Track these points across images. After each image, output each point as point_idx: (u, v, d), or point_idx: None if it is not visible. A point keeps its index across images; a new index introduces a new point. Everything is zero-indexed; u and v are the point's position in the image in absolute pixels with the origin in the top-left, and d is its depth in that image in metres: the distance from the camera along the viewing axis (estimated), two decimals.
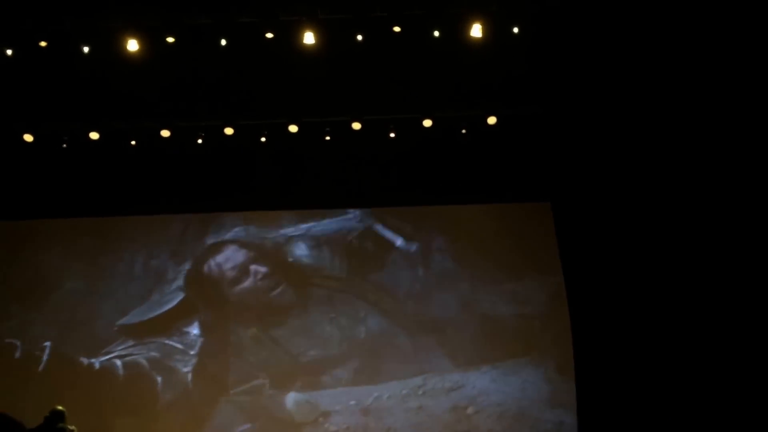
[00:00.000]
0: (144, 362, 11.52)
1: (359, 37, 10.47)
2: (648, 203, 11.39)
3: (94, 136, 11.58)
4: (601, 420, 10.84)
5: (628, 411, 10.72)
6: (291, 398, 11.32)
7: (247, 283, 11.88)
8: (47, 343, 11.62)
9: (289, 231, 12.06)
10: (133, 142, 11.69)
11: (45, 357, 11.55)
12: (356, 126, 11.53)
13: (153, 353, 11.60)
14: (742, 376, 10.52)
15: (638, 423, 10.63)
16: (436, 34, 10.44)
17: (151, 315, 11.79)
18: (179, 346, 11.60)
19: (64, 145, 11.66)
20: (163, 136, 11.59)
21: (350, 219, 12.08)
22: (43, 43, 10.46)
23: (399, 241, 12.00)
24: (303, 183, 12.00)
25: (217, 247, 12.10)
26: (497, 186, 11.91)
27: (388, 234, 12.01)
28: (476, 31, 10.31)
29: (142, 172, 12.01)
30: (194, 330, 11.70)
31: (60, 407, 8.72)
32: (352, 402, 11.27)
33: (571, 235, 11.57)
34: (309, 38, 10.31)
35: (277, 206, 12.10)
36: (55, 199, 12.05)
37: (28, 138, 11.58)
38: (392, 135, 11.61)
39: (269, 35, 10.44)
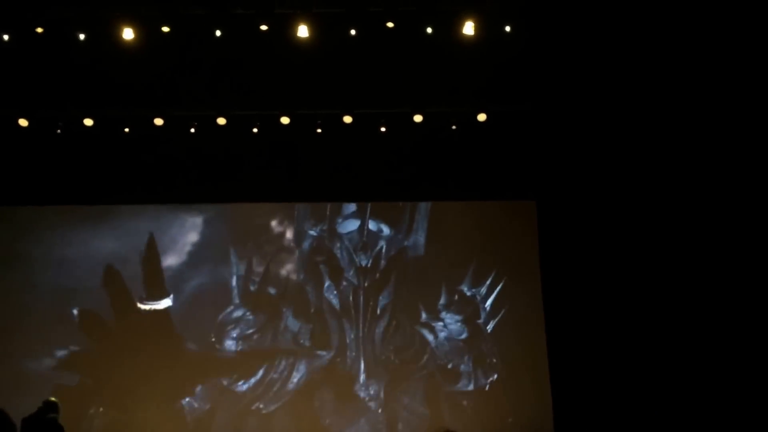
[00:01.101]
0: None
1: (353, 32, 10.58)
2: (634, 205, 11.39)
3: (88, 122, 11.65)
4: (577, 424, 10.94)
5: (605, 415, 10.76)
6: None
7: None
8: None
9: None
10: (126, 130, 11.75)
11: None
12: (347, 119, 11.61)
13: None
14: (726, 377, 10.61)
15: (616, 426, 10.72)
16: (429, 30, 10.55)
17: None
18: None
19: (59, 131, 11.71)
20: (156, 124, 11.66)
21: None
22: (39, 30, 10.53)
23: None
24: (293, 174, 12.05)
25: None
26: (485, 183, 11.99)
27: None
28: (468, 28, 10.42)
29: (135, 159, 12.04)
30: None
31: (53, 398, 8.79)
32: None
33: (553, 234, 11.58)
34: (303, 31, 10.41)
35: (267, 198, 12.17)
36: (49, 185, 12.10)
37: (23, 123, 11.64)
38: (383, 129, 11.71)
39: (264, 27, 10.54)
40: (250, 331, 11.71)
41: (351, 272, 11.96)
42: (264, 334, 11.73)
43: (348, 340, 11.71)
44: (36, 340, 11.72)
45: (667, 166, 11.30)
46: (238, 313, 11.79)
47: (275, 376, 11.57)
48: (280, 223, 12.15)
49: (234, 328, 11.72)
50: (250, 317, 11.76)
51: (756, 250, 10.81)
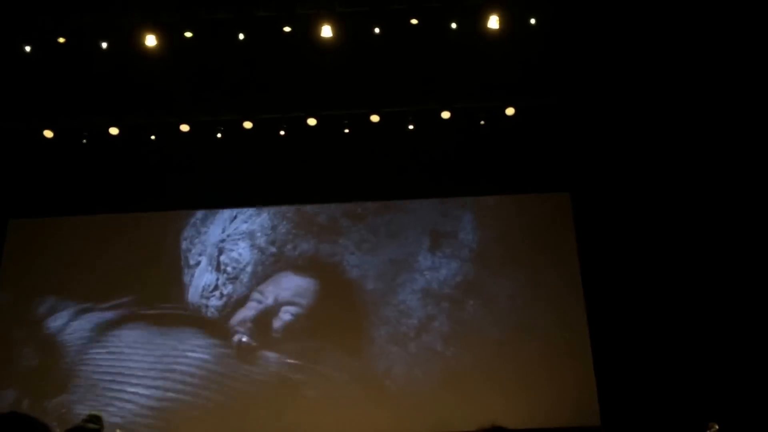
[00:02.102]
0: None
1: (377, 30, 10.49)
2: (665, 195, 11.39)
3: (113, 131, 11.62)
4: (623, 417, 10.84)
5: (650, 407, 10.71)
6: None
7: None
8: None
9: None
10: (153, 137, 11.72)
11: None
12: (375, 118, 11.54)
13: None
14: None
15: (659, 420, 10.62)
16: (454, 25, 10.46)
17: None
18: None
19: (85, 141, 11.68)
20: (183, 130, 11.61)
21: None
22: (61, 40, 10.50)
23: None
24: (323, 175, 11.96)
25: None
26: (516, 177, 11.88)
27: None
28: (493, 22, 10.31)
29: (162, 166, 11.98)
30: None
31: (95, 412, 8.71)
32: None
33: (590, 226, 11.55)
34: (327, 31, 10.34)
35: (296, 200, 12.06)
36: (76, 195, 12.06)
37: (49, 134, 11.63)
38: (411, 127, 11.61)
39: (287, 29, 10.46)
40: None
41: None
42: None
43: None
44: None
45: (699, 154, 11.25)
46: None
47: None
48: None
49: None
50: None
51: None
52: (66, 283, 11.87)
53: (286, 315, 11.58)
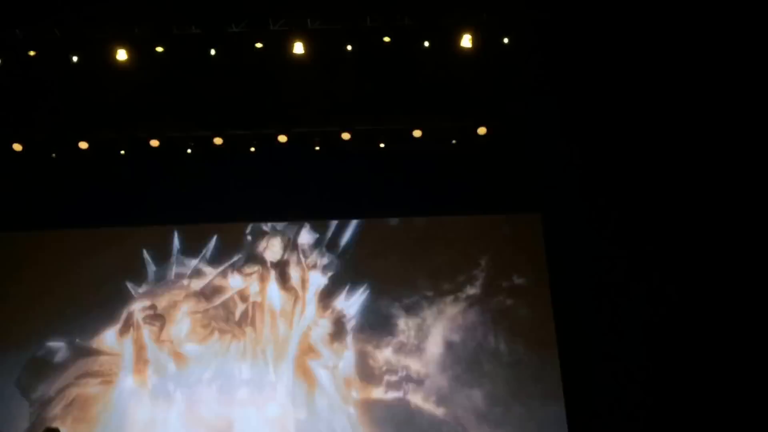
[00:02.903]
0: None
1: (349, 47, 10.47)
2: (638, 216, 11.41)
3: (83, 145, 11.53)
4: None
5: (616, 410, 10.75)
6: None
7: None
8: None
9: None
10: (122, 152, 11.64)
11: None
12: (346, 136, 11.52)
13: None
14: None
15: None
16: (427, 44, 10.45)
17: None
18: None
19: (54, 155, 11.58)
20: (152, 146, 11.54)
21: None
22: (32, 53, 10.42)
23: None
24: (291, 192, 11.90)
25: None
26: (487, 197, 11.84)
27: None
28: (466, 41, 10.32)
29: (131, 181, 11.89)
30: None
31: (54, 426, 8.61)
32: None
33: (561, 246, 11.55)
34: (299, 48, 10.30)
35: (266, 217, 12.01)
36: (44, 209, 11.93)
37: (18, 147, 11.53)
38: (382, 145, 11.60)
39: (259, 45, 10.43)
40: None
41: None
42: None
43: None
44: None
45: (673, 175, 11.30)
46: None
47: None
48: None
49: None
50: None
51: None
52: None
53: None
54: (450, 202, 11.85)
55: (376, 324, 11.63)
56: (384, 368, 11.42)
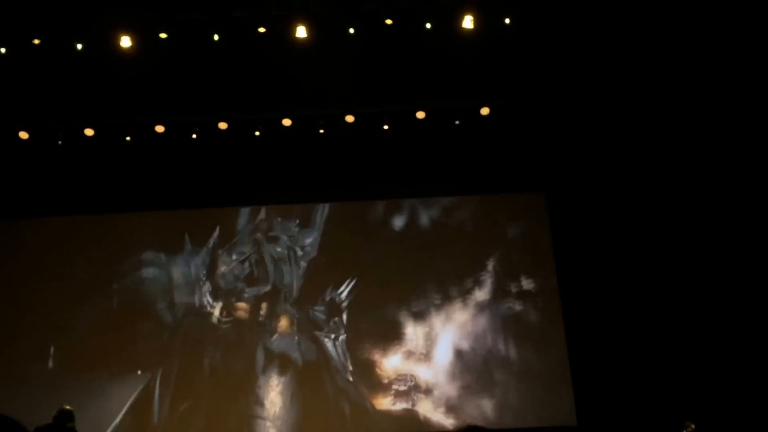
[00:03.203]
0: None
1: (351, 30, 10.50)
2: (642, 194, 11.42)
3: (89, 132, 11.60)
4: (600, 417, 10.88)
5: (626, 407, 10.73)
6: None
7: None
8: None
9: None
10: (128, 138, 11.70)
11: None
12: (350, 119, 11.56)
13: None
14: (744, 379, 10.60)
15: (636, 420, 10.66)
16: (428, 26, 10.47)
17: None
18: None
19: (60, 142, 11.66)
20: (158, 131, 11.61)
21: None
22: (36, 41, 10.47)
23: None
24: (297, 175, 11.99)
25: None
26: (491, 177, 11.90)
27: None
28: (468, 22, 10.35)
29: (138, 167, 11.97)
30: None
31: (68, 406, 8.61)
32: None
33: (565, 225, 11.59)
34: (301, 32, 10.34)
35: (272, 200, 12.09)
36: (51, 196, 12.03)
37: (24, 135, 11.60)
38: (386, 127, 11.65)
39: (262, 30, 10.46)
40: None
41: None
42: None
43: None
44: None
45: (675, 156, 11.30)
46: None
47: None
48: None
49: None
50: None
51: None
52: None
53: None
54: (454, 182, 11.91)
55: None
56: (392, 378, 11.45)
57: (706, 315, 10.85)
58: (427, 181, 11.93)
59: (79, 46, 10.55)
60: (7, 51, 10.53)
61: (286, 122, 11.56)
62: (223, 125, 11.60)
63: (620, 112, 11.37)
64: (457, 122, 11.64)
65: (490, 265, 11.73)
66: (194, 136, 11.68)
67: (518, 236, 11.85)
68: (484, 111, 11.55)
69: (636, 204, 11.43)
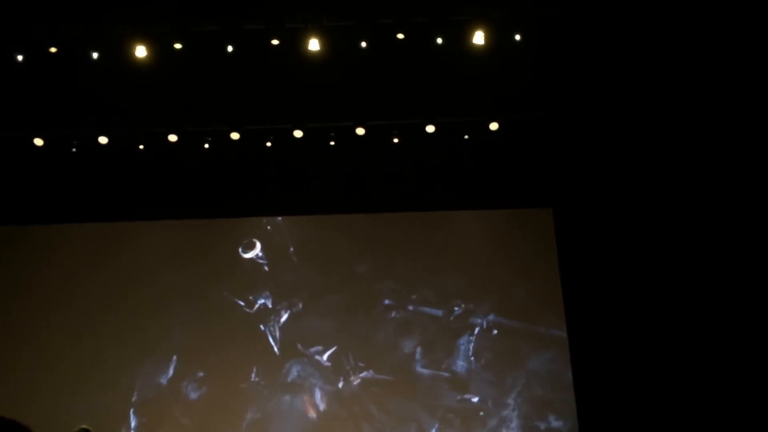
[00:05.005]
0: None
1: (363, 44, 10.63)
2: (649, 211, 11.43)
3: (102, 140, 11.72)
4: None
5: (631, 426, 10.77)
6: None
7: None
8: None
9: None
10: (141, 147, 11.82)
11: None
12: (360, 131, 11.67)
13: None
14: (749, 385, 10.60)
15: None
16: (440, 41, 10.58)
17: None
18: None
19: (74, 150, 11.78)
20: (171, 140, 11.72)
21: None
22: (52, 49, 10.62)
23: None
24: (306, 187, 12.10)
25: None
26: (499, 191, 11.96)
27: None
28: (479, 38, 10.45)
29: (149, 175, 12.09)
30: None
31: (85, 426, 8.53)
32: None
33: (572, 241, 11.63)
34: (314, 45, 10.47)
35: (281, 211, 12.19)
36: (64, 203, 12.13)
37: (38, 142, 11.73)
38: (396, 140, 11.74)
39: (275, 42, 10.60)
40: None
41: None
42: None
43: None
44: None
45: (683, 171, 11.32)
46: None
47: None
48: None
49: None
50: None
51: None
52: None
53: None
54: (462, 197, 11.98)
55: None
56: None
57: (714, 328, 10.83)
58: (433, 194, 12.00)
59: (95, 55, 10.68)
60: (23, 59, 10.67)
61: (298, 133, 11.66)
62: (235, 135, 11.71)
63: (631, 128, 11.40)
64: (466, 137, 11.71)
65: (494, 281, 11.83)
66: (206, 145, 11.78)
67: (524, 251, 11.90)
68: (493, 126, 11.63)
69: (644, 219, 11.44)
